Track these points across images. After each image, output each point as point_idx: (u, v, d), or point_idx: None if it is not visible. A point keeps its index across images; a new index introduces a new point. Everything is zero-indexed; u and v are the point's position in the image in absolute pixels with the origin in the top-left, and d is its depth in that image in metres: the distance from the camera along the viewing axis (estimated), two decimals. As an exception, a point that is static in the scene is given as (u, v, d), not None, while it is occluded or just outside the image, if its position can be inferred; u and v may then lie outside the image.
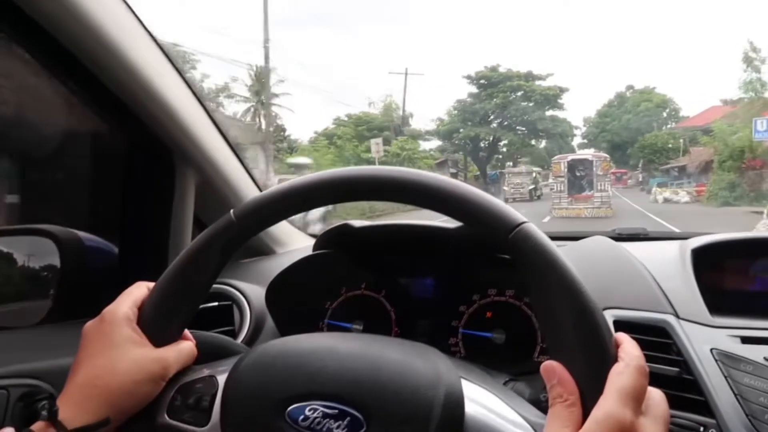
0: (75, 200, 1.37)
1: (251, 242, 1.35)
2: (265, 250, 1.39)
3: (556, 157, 21.64)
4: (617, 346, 0.52)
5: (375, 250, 1.12)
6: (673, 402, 0.73)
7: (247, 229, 0.65)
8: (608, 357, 0.50)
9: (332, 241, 1.13)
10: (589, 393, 0.49)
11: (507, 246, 0.55)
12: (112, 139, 1.17)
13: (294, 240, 1.47)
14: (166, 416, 0.61)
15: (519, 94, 47.91)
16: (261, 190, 1.26)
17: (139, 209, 1.15)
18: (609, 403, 0.47)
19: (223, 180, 1.20)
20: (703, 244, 1.01)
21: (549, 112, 48.99)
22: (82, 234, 1.17)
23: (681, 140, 42.91)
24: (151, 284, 0.67)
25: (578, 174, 19.33)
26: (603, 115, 57.05)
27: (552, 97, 48.08)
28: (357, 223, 1.09)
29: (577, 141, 61.33)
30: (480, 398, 0.56)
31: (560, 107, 48.75)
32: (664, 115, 54.82)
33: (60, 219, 1.22)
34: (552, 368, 0.51)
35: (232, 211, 0.64)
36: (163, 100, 1.01)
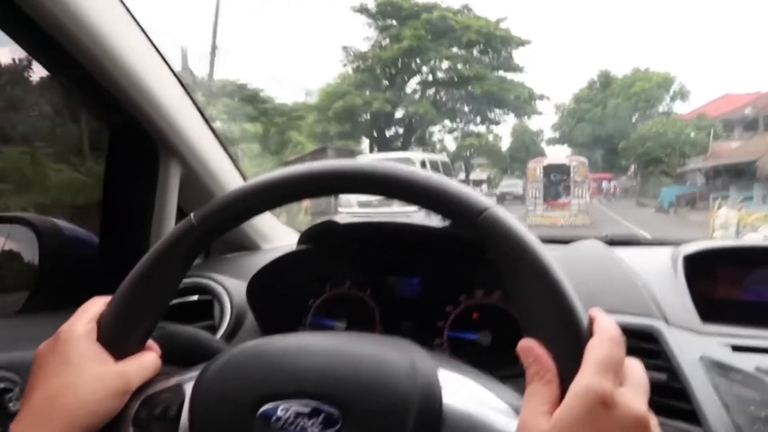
0: (56, 189, 1.35)
1: (235, 237, 1.34)
2: (250, 245, 1.37)
3: (531, 162, 20.74)
4: (591, 321, 0.51)
5: (360, 247, 1.10)
6: (661, 409, 0.71)
7: (209, 233, 0.62)
8: (583, 332, 0.50)
9: (317, 237, 1.11)
10: (566, 369, 0.48)
11: (476, 232, 0.55)
12: (94, 127, 1.14)
13: (280, 235, 1.45)
14: (131, 430, 0.58)
15: (444, 41, 29.01)
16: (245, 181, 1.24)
17: (121, 199, 1.13)
18: (587, 376, 0.46)
19: (207, 171, 1.18)
20: (696, 251, 1.00)
21: (498, 74, 31.28)
22: (61, 223, 1.15)
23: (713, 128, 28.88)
24: (108, 298, 0.64)
25: (554, 179, 18.54)
26: (582, 100, 41.99)
27: (501, 43, 30.14)
28: (342, 219, 1.07)
29: (547, 135, 48.20)
30: (458, 386, 0.55)
31: (517, 69, 31.12)
32: (667, 99, 39.57)
33: (39, 208, 1.20)
34: (528, 347, 0.50)
35: (192, 214, 0.62)
36: (147, 89, 0.99)
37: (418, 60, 30.19)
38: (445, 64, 31.08)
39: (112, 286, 0.64)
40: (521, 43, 31.64)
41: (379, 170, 0.59)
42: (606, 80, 42.29)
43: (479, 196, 0.56)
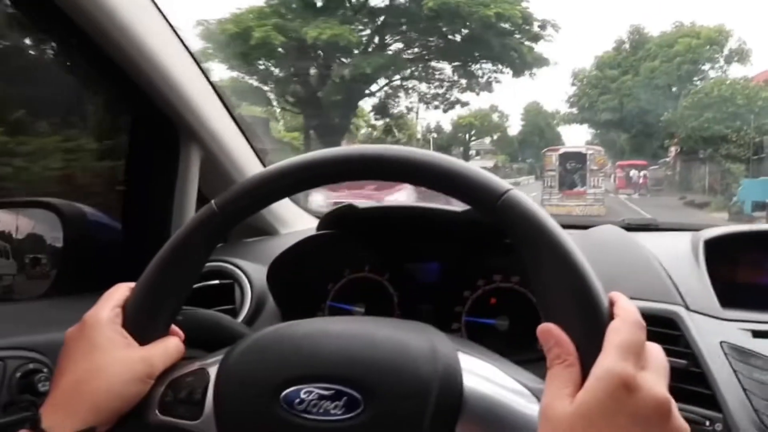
0: (80, 175, 1.37)
1: (255, 222, 1.35)
2: (269, 230, 1.38)
3: (547, 149, 20.47)
4: (612, 304, 0.51)
5: (379, 232, 1.10)
6: (681, 395, 0.71)
7: (230, 219, 0.63)
8: (604, 315, 0.50)
9: (336, 221, 1.11)
10: (588, 352, 0.48)
11: (495, 216, 0.55)
12: (116, 113, 1.16)
13: (298, 220, 1.46)
14: (157, 413, 0.60)
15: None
16: (265, 167, 1.25)
17: (143, 184, 1.14)
18: (609, 359, 0.47)
19: (228, 156, 1.18)
20: (717, 236, 0.99)
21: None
22: (85, 208, 1.17)
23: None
24: (132, 284, 0.65)
25: (570, 168, 18.01)
26: (607, 65, 31.64)
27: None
28: (362, 204, 1.07)
29: (562, 110, 37.27)
30: (478, 369, 0.55)
31: (514, 1, 19.85)
32: (721, 61, 28.24)
33: (64, 193, 1.21)
34: (549, 330, 0.51)
35: (213, 200, 0.63)
36: (168, 74, 1.00)
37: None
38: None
39: (135, 271, 0.65)
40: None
41: (397, 154, 0.59)
42: (639, 39, 31.21)
43: (498, 180, 0.56)
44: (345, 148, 0.62)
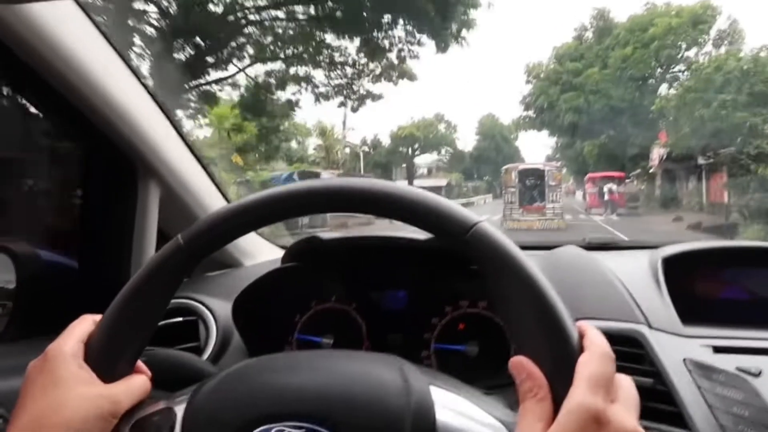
0: (32, 214, 1.33)
1: (218, 255, 1.32)
2: (233, 263, 1.36)
3: (506, 166, 20.51)
4: (581, 336, 0.52)
5: (345, 262, 1.10)
6: (648, 413, 0.72)
7: (196, 253, 0.62)
8: (574, 348, 0.50)
9: (301, 253, 1.10)
10: (559, 385, 0.49)
11: (464, 247, 0.55)
12: (70, 149, 1.13)
13: (263, 252, 1.44)
14: None
15: None
16: (228, 201, 1.23)
17: (100, 223, 1.11)
18: (579, 393, 0.47)
19: (188, 192, 1.16)
20: (674, 253, 1.02)
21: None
22: (39, 249, 1.13)
23: None
24: (98, 317, 0.63)
25: (529, 184, 18.64)
26: (566, 58, 26.55)
27: None
28: (326, 235, 1.07)
29: (516, 113, 33.99)
30: (450, 403, 0.55)
31: None
32: (708, 44, 22.66)
33: (17, 233, 1.18)
34: (520, 363, 0.51)
35: (179, 235, 0.62)
36: (122, 109, 0.98)
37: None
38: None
39: (92, 312, 0.64)
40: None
41: (364, 187, 0.59)
42: (604, 25, 26.00)
43: (466, 212, 0.57)
44: (311, 182, 0.61)
